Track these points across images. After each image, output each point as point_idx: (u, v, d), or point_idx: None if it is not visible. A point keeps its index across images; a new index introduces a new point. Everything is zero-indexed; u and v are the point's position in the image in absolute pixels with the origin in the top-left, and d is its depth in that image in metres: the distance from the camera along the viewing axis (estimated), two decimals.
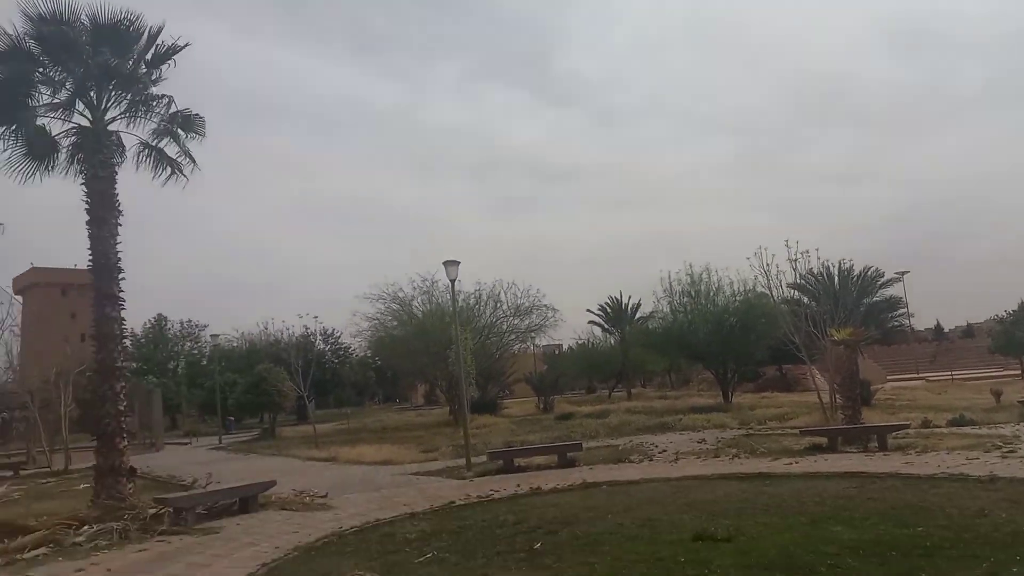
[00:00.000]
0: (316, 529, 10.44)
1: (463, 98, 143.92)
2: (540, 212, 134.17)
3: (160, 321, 65.37)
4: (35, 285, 76.77)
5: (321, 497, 13.59)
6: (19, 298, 68.63)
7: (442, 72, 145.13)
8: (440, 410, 58.17)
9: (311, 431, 38.80)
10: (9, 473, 24.98)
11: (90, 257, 12.90)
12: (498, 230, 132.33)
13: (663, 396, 50.60)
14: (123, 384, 12.84)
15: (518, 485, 13.33)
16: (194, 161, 14.12)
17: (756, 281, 30.33)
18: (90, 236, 12.85)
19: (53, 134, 13.43)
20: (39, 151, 13.21)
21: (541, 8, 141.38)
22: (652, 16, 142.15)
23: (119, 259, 13.04)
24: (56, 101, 13.07)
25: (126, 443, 12.69)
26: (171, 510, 11.58)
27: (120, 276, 13.02)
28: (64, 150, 13.57)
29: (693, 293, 36.68)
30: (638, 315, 58.37)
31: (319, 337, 51.61)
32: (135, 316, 66.46)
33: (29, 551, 9.78)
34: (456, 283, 16.67)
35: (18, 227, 79.48)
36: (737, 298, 36.08)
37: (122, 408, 12.69)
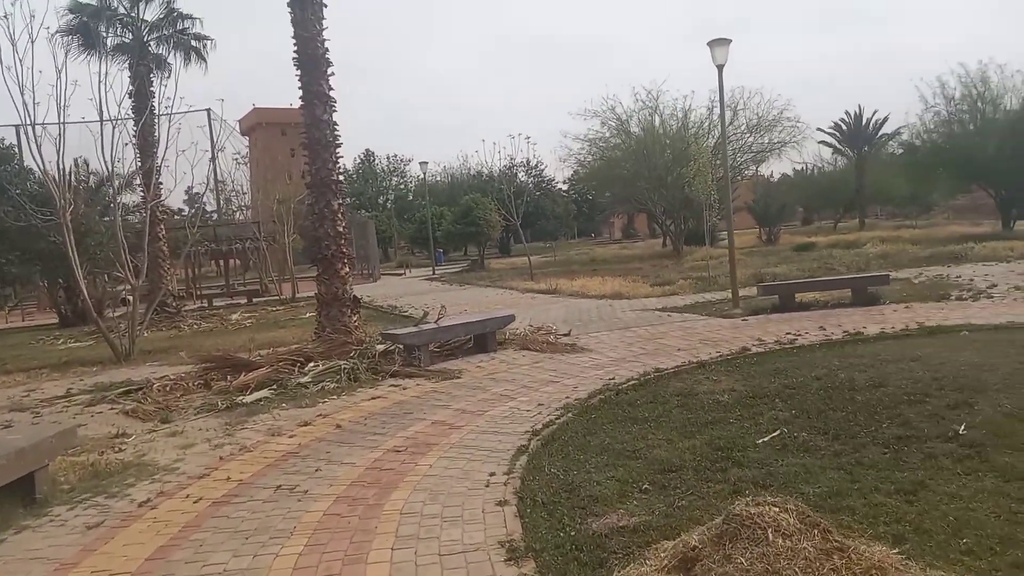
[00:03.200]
0: (579, 379, 8.10)
1: None
2: (745, 33, 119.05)
3: (368, 156, 66.88)
4: (258, 125, 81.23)
5: (564, 335, 11.38)
6: (245, 138, 73.24)
7: None
8: (647, 243, 55.23)
9: (519, 263, 37.86)
10: (244, 300, 26.00)
11: (294, 49, 10.73)
12: (694, 59, 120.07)
13: (909, 226, 43.55)
14: (341, 202, 11.03)
15: (821, 327, 10.15)
16: None
17: None
18: (293, 22, 10.62)
19: None
20: None
21: None
22: None
23: (326, 49, 10.78)
24: None
25: (348, 269, 11.02)
26: (401, 347, 9.85)
27: (329, 71, 10.83)
28: None
29: (975, 95, 29.30)
30: (881, 133, 49.98)
31: (521, 169, 49.56)
32: (346, 157, 68.52)
33: (251, 392, 8.39)
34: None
35: (241, 74, 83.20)
36: None
37: (342, 229, 10.93)
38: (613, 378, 7.94)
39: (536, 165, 54.80)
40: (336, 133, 11.07)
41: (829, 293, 13.15)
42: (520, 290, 21.58)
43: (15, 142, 16.41)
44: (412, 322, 14.32)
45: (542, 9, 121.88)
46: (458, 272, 34.17)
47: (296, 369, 9.37)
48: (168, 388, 9.24)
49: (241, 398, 8.15)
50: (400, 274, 38.28)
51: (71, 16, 18.04)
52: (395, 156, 72.50)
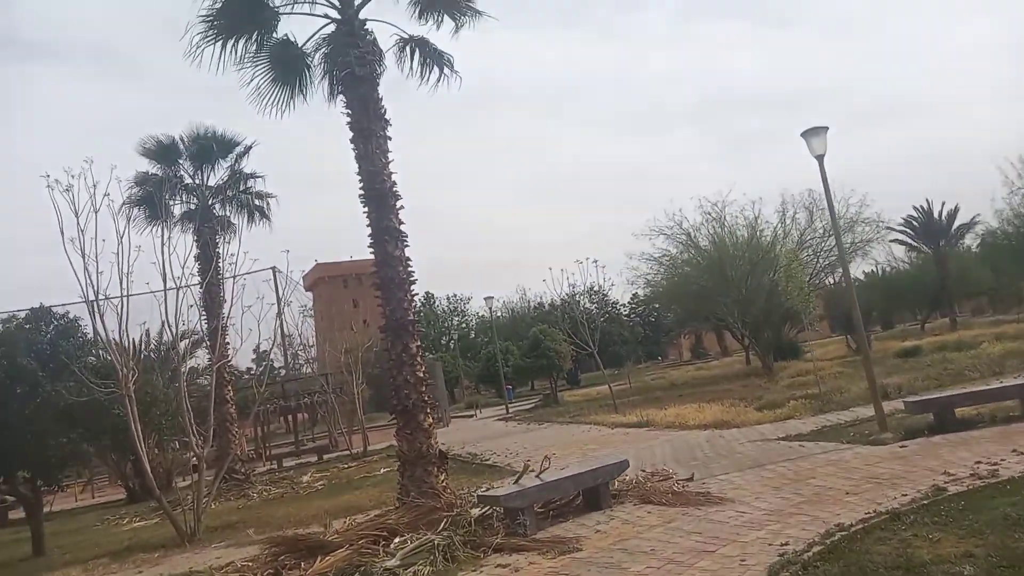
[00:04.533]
0: (740, 546, 6.32)
1: (674, 42, 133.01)
2: (770, 148, 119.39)
3: (429, 298, 67.33)
4: (320, 280, 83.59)
5: (687, 480, 9.62)
6: (309, 294, 75.03)
7: (648, 18, 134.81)
8: (723, 361, 52.66)
9: (594, 394, 35.93)
10: (313, 458, 24.76)
11: (360, 185, 10.07)
12: (731, 174, 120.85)
13: (1010, 320, 40.20)
14: (420, 344, 9.90)
15: (1015, 451, 8.18)
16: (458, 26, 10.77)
17: None
18: (356, 157, 10.07)
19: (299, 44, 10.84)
20: (287, 67, 10.63)
21: None
22: None
23: (394, 183, 10.08)
24: None
25: (431, 421, 9.67)
26: (500, 511, 8.27)
27: (398, 204, 10.06)
28: (314, 63, 10.93)
29: None
30: (956, 224, 47.74)
31: (584, 296, 48.49)
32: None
33: None
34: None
35: (303, 229, 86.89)
36: None
37: (421, 375, 9.70)
38: (786, 542, 6.15)
39: (599, 290, 53.67)
40: (410, 270, 10.14)
41: (984, 405, 11.11)
42: (608, 425, 19.78)
43: (79, 315, 16.21)
44: (501, 474, 12.74)
45: (572, 143, 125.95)
46: (532, 409, 32.47)
47: (380, 547, 7.84)
48: None
49: None
50: (471, 416, 36.72)
51: (137, 188, 18.25)
52: (454, 295, 73.12)
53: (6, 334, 13.10)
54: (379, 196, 9.89)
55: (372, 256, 10.03)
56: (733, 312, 28.78)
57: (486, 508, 8.52)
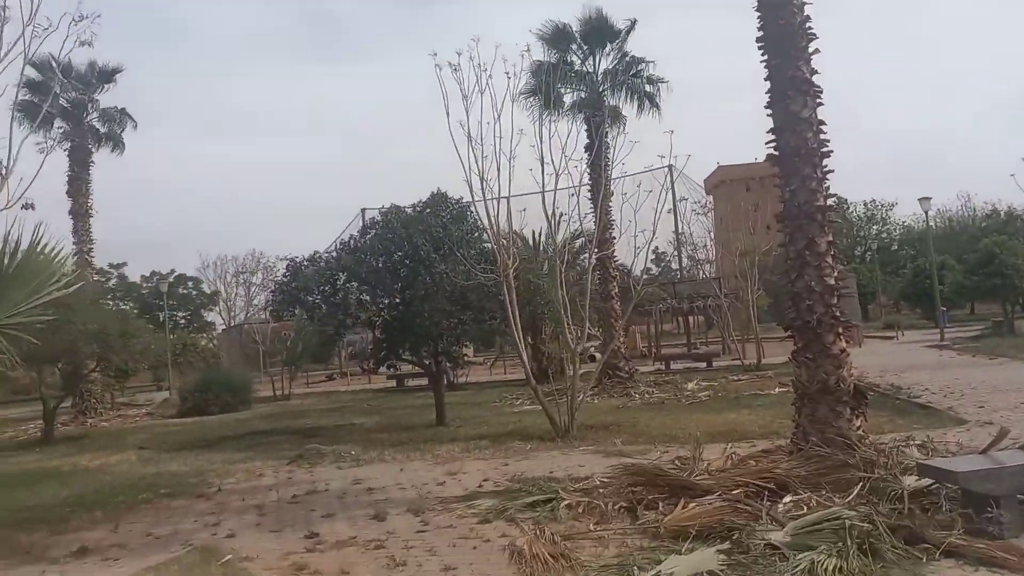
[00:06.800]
0: None
1: None
2: None
3: (840, 203, 59.73)
4: (721, 183, 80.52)
5: None
6: (710, 197, 72.75)
7: None
8: None
9: None
10: (702, 364, 23.20)
11: (758, 25, 7.50)
12: None
13: None
14: (831, 240, 7.24)
15: None
16: None
17: None
18: None
19: None
20: None
21: None
22: None
23: (807, 17, 7.32)
24: None
25: (843, 344, 7.05)
26: (956, 491, 5.50)
27: (810, 48, 7.30)
28: None
29: None
30: None
31: None
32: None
33: (688, 543, 5.07)
34: None
35: (704, 135, 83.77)
36: None
37: (831, 282, 7.08)
38: None
39: None
40: (823, 138, 7.36)
41: None
42: None
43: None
44: (941, 420, 9.50)
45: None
46: (976, 337, 26.06)
47: (763, 505, 5.82)
48: (581, 508, 6.61)
49: (668, 568, 4.89)
50: (890, 338, 31.30)
51: (531, 77, 17.82)
52: (872, 201, 63.76)
53: (408, 219, 13.82)
54: (783, 35, 7.19)
55: (770, 117, 7.48)
56: None
57: (931, 483, 5.82)
